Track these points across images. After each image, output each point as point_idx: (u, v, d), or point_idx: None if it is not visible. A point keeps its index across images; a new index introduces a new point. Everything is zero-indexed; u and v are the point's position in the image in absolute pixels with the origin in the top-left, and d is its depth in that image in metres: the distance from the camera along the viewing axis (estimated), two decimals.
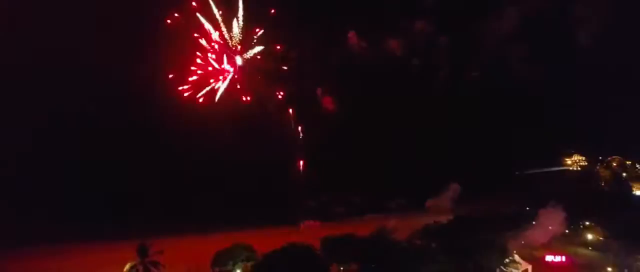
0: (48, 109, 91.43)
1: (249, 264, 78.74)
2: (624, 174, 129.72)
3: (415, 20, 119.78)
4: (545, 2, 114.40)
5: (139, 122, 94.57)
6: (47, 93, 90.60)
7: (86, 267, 70.62)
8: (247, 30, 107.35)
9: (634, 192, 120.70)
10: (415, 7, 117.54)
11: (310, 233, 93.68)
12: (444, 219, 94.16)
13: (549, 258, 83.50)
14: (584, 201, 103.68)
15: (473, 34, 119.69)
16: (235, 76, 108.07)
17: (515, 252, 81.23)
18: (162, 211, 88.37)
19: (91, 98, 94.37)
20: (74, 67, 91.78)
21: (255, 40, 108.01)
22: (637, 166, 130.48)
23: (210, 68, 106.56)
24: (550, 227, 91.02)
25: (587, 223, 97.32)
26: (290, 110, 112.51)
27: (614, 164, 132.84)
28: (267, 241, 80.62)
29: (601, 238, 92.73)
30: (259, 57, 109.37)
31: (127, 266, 69.63)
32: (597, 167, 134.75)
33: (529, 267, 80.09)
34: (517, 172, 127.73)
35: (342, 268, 79.61)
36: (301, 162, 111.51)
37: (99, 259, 75.85)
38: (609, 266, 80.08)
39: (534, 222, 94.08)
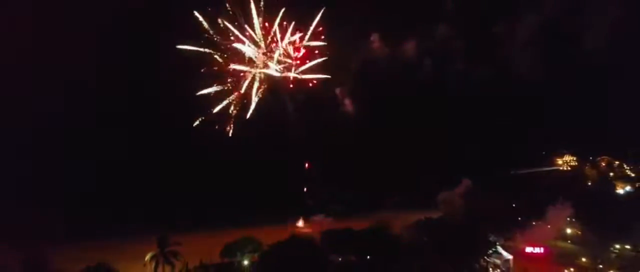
0: (72, 109, 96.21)
1: (255, 254, 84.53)
2: (611, 174, 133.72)
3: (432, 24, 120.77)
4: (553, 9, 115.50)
5: (162, 126, 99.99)
6: (75, 92, 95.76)
7: (117, 255, 77.20)
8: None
9: (617, 191, 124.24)
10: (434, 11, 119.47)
11: (313, 227, 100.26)
12: (435, 215, 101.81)
13: (528, 249, 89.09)
14: (567, 198, 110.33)
15: (484, 37, 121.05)
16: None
17: (498, 244, 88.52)
18: (179, 209, 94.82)
19: (114, 98, 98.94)
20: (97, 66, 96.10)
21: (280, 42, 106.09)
22: (625, 165, 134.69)
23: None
24: (557, 223, 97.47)
25: (568, 219, 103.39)
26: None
27: (603, 164, 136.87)
28: (272, 235, 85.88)
29: (579, 232, 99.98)
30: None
31: (149, 256, 77.42)
32: (586, 167, 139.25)
33: (511, 258, 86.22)
34: (512, 172, 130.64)
35: (340, 259, 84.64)
36: (310, 163, 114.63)
37: (127, 248, 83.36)
38: (583, 257, 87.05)
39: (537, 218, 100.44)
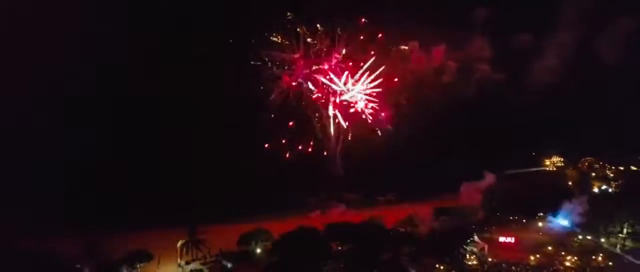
0: (114, 109, 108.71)
1: (268, 243, 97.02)
2: (593, 174, 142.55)
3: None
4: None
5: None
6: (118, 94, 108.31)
7: (154, 242, 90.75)
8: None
9: (593, 190, 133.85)
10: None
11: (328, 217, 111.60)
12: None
13: (501, 239, 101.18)
14: (546, 196, 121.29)
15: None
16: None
17: (475, 234, 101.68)
18: (201, 205, 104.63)
19: (149, 99, 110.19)
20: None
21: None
22: (607, 166, 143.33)
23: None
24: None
25: (541, 214, 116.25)
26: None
27: (586, 165, 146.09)
28: (281, 227, 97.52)
29: (550, 225, 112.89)
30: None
31: (180, 243, 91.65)
32: (569, 168, 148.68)
33: (485, 246, 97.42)
34: (505, 172, 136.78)
35: (340, 247, 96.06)
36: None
37: (160, 237, 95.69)
38: (549, 246, 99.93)
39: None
